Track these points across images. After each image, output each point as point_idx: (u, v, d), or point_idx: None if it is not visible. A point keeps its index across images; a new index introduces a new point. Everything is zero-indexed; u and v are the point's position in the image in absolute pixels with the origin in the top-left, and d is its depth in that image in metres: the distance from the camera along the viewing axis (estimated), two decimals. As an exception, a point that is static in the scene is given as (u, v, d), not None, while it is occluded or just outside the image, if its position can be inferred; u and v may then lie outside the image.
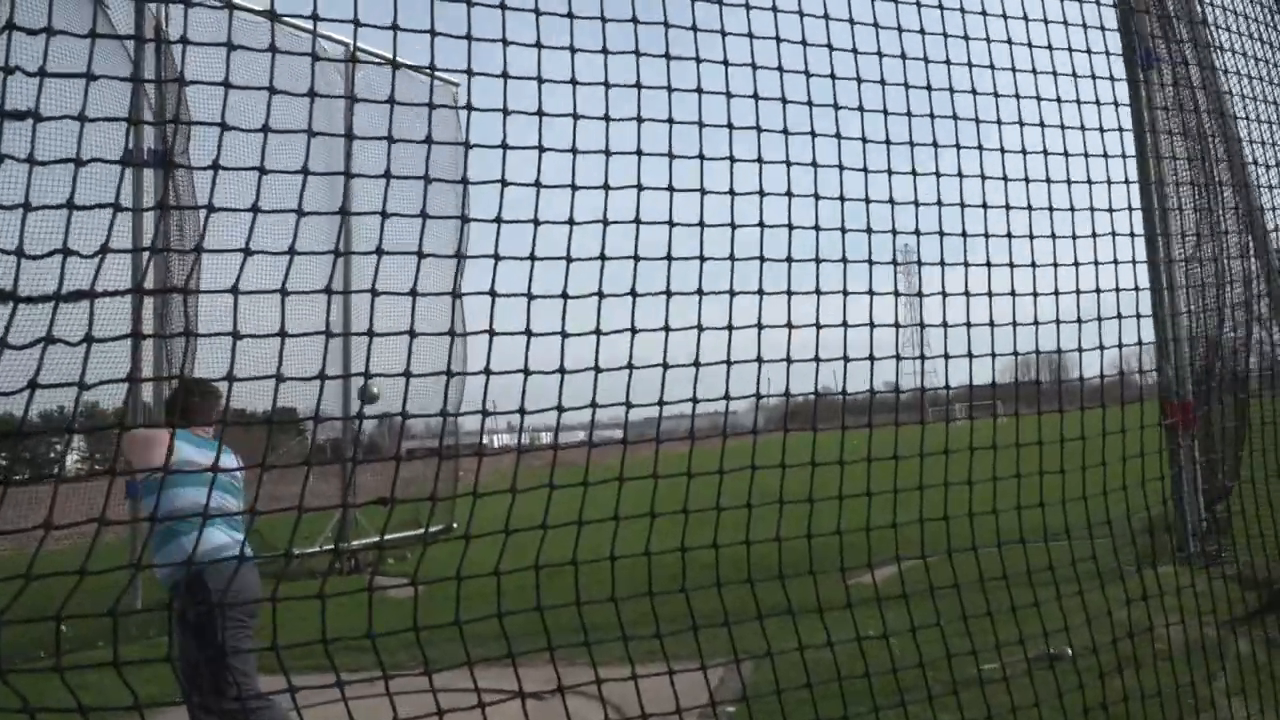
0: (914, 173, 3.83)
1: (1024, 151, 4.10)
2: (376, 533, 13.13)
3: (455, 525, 12.63)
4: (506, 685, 2.76)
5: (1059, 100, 4.26)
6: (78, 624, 2.54)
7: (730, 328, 3.20)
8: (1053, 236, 4.13)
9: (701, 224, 3.20)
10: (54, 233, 1.92)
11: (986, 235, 3.95)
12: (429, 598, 4.23)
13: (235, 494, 4.89)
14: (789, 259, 3.42)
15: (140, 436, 4.84)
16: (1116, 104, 4.40)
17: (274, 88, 2.35)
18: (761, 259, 3.31)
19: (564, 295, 2.81)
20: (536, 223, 2.84)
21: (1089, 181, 4.28)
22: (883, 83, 3.73)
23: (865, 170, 3.65)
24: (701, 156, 3.25)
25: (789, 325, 3.32)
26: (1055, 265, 4.10)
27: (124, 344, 2.30)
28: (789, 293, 3.37)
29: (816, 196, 3.52)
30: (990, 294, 3.90)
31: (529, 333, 2.73)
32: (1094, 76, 4.34)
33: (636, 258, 3.05)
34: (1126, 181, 4.39)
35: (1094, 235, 4.21)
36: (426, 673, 2.44)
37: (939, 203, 3.85)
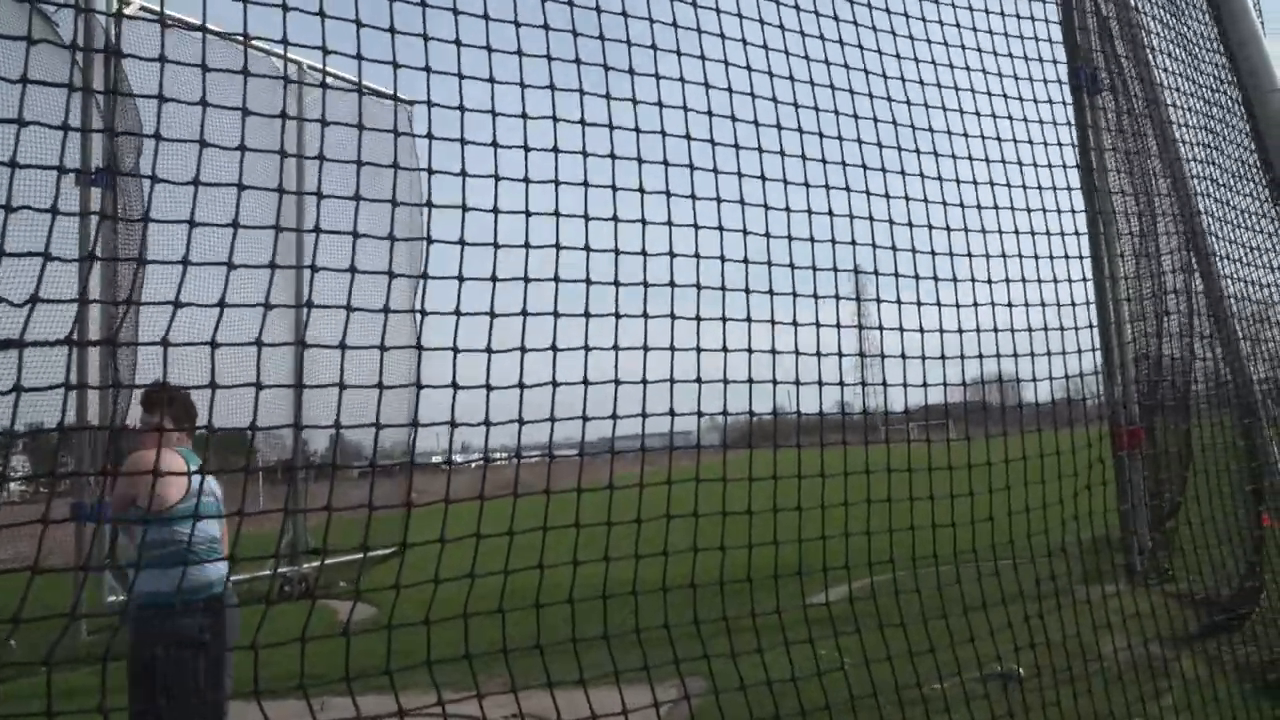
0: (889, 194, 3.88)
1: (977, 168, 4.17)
2: (328, 555, 13.00)
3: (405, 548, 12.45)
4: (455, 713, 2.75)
5: (1009, 117, 4.33)
6: (24, 645, 2.50)
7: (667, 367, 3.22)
8: (1002, 256, 4.20)
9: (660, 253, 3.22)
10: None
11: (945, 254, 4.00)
12: (380, 621, 4.19)
13: (220, 514, 4.71)
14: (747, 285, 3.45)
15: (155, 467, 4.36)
16: (1059, 143, 4.49)
17: (206, 141, 2.34)
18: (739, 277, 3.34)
19: (489, 350, 2.83)
20: (462, 277, 2.85)
21: (1037, 189, 4.35)
22: (834, 112, 3.79)
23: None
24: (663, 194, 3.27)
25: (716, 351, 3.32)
26: (1006, 280, 4.16)
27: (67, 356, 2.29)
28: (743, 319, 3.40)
29: (772, 235, 3.54)
30: (951, 307, 3.96)
31: (455, 385, 2.74)
32: (1038, 119, 4.45)
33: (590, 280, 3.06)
34: (1072, 211, 4.48)
35: (1037, 276, 4.29)
36: (358, 714, 2.43)
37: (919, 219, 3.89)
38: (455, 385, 2.70)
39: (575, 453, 3.14)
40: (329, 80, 12.09)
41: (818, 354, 3.61)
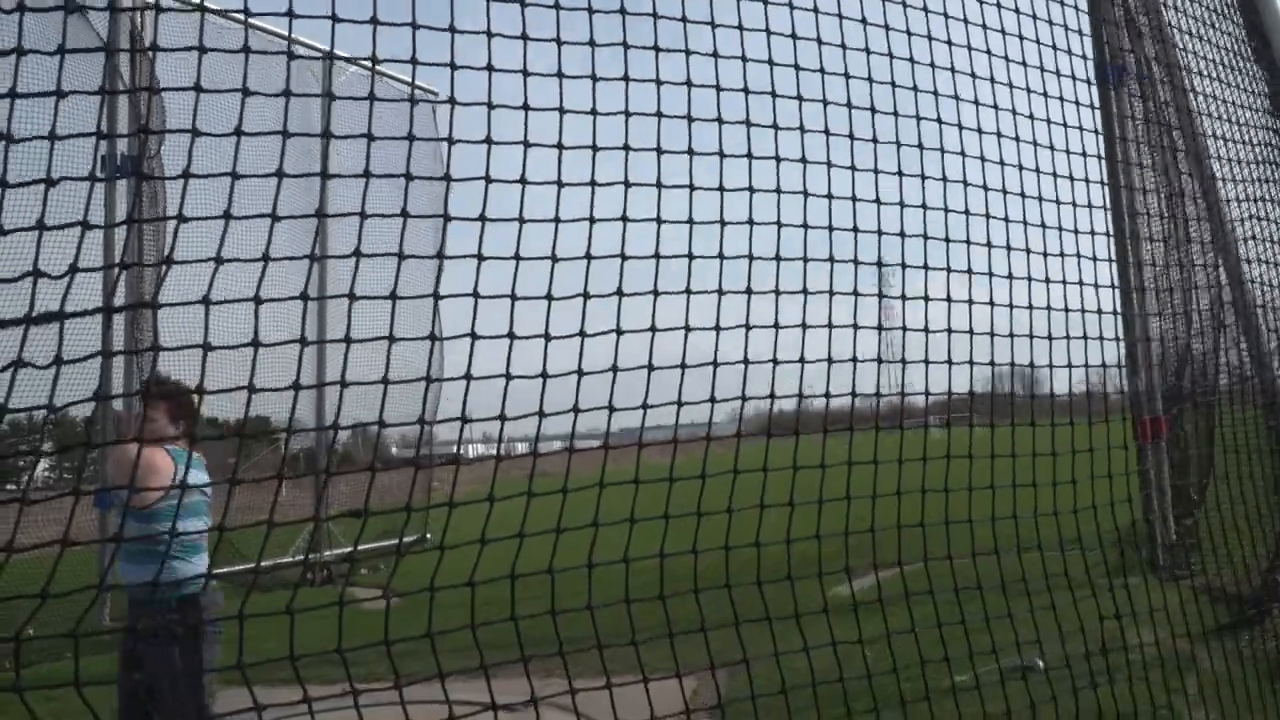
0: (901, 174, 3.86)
1: (1003, 161, 4.15)
2: (350, 543, 13.01)
3: (429, 536, 12.53)
4: (481, 697, 2.75)
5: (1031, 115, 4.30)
6: (45, 632, 2.53)
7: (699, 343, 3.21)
8: (1026, 250, 4.17)
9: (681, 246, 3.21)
10: (25, 252, 1.90)
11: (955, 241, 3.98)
12: (406, 608, 4.19)
13: (207, 514, 4.79)
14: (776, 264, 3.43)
15: (145, 465, 4.23)
16: (1080, 128, 4.46)
17: (247, 88, 2.34)
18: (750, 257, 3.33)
19: (548, 296, 2.78)
20: (521, 220, 2.81)
21: (1057, 183, 4.33)
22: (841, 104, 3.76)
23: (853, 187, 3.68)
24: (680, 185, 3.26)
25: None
26: (1028, 279, 4.14)
27: (94, 343, 2.29)
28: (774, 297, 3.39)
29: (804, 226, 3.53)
30: (970, 301, 3.94)
31: (511, 335, 2.70)
32: (1065, 100, 4.40)
33: (624, 256, 3.04)
34: (1097, 202, 4.44)
35: (1062, 254, 4.26)
36: (397, 685, 2.43)
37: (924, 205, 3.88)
38: (511, 335, 2.66)
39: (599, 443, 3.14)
40: (355, 64, 12.09)
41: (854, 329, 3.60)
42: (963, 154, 4.07)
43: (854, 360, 3.67)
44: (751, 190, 3.43)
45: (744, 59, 3.45)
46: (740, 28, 3.44)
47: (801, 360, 3.45)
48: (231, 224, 2.30)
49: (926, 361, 3.82)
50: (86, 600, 2.32)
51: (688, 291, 3.17)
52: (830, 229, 3.64)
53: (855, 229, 3.70)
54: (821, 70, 3.69)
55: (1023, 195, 4.20)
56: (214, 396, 4.86)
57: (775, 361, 3.40)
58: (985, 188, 4.10)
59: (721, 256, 3.30)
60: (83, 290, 2.21)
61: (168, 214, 9.97)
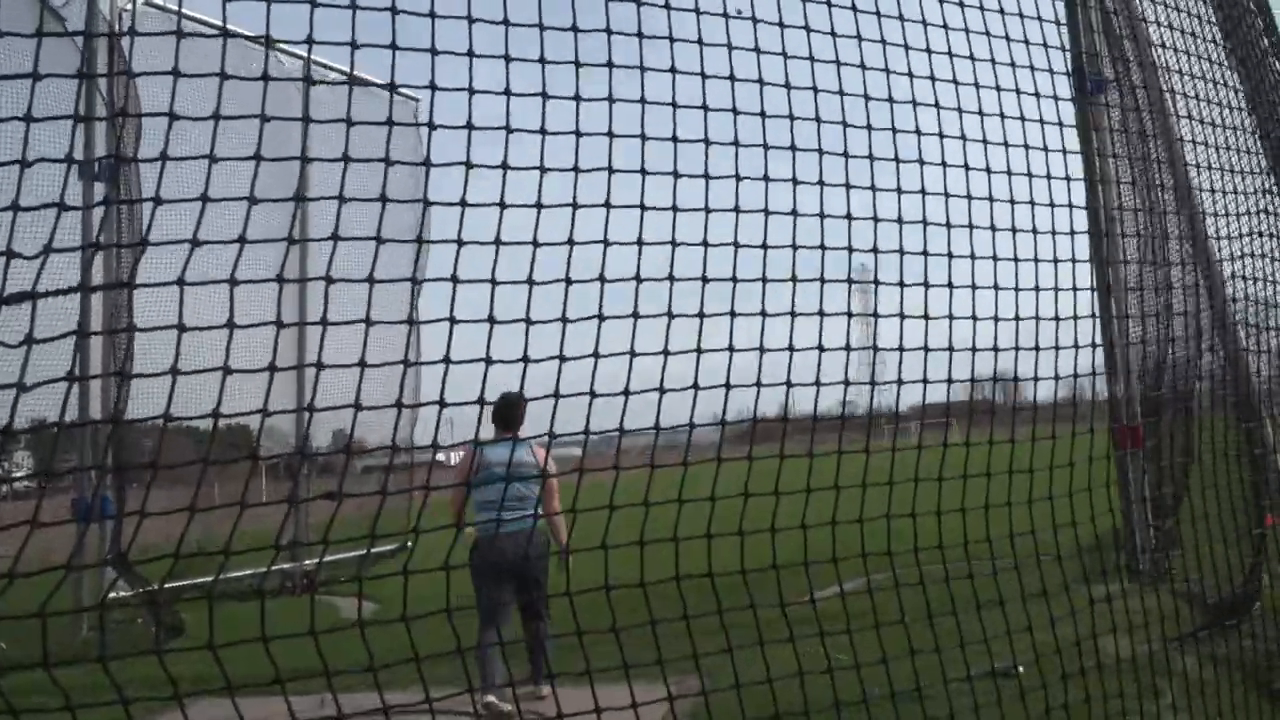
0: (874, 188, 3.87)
1: (985, 166, 4.17)
2: (329, 552, 12.94)
3: (410, 545, 12.40)
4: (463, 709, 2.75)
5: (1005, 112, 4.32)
6: (17, 650, 2.51)
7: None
8: (1003, 258, 4.19)
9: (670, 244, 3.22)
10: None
11: (938, 253, 3.99)
12: (383, 616, 4.16)
13: (531, 482, 6.85)
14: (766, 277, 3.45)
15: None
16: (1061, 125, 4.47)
17: (221, 115, 2.34)
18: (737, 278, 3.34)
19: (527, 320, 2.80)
20: (499, 244, 2.82)
21: (1032, 201, 4.34)
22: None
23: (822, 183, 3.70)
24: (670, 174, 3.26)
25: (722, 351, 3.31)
26: (999, 288, 4.15)
27: (68, 352, 2.27)
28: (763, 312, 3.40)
29: (767, 214, 3.54)
30: (947, 314, 3.96)
31: (487, 359, 2.72)
32: (1039, 95, 4.42)
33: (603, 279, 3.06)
34: (1071, 206, 4.46)
35: (1036, 260, 4.27)
36: (382, 705, 2.42)
37: (899, 220, 3.90)
38: (487, 359, 2.68)
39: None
40: (334, 74, 12.04)
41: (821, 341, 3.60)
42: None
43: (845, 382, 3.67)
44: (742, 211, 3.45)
45: (703, 75, 3.45)
46: (700, 43, 3.45)
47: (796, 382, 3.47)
48: (207, 211, 2.29)
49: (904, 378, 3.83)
50: (66, 620, 2.30)
51: (702, 315, 3.21)
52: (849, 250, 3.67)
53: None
54: (787, 84, 3.70)
55: (994, 199, 4.21)
56: (187, 405, 4.86)
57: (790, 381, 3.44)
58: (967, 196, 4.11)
59: (704, 279, 3.34)
60: (56, 276, 2.19)
61: (145, 207, 9.81)
